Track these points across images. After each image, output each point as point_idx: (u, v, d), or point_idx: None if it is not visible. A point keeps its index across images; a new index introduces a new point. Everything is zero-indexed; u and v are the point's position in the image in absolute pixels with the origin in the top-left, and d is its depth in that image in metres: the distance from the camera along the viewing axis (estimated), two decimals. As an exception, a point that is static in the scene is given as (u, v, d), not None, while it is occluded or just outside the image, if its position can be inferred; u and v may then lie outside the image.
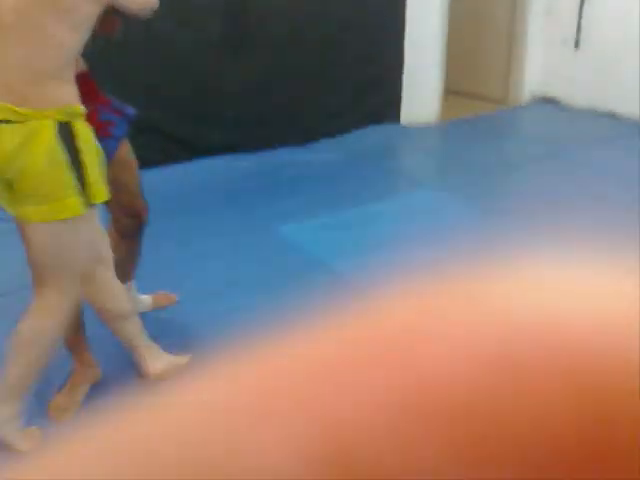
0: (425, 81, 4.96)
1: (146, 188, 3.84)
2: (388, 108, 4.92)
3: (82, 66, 2.00)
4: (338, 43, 4.49)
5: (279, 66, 4.31)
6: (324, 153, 4.42)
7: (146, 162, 3.98)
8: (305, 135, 4.47)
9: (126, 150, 2.24)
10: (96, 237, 1.90)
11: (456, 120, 5.21)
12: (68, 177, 1.69)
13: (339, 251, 3.24)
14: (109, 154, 2.00)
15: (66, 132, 1.68)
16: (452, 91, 5.47)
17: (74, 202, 1.72)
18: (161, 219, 3.56)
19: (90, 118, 1.81)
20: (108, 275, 2.00)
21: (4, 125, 1.64)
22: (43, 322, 1.83)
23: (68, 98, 1.70)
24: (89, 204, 1.75)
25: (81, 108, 1.72)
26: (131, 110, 2.21)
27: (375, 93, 4.78)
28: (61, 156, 1.67)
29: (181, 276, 3.01)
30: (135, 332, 2.11)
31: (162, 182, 3.95)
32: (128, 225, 2.35)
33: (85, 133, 1.74)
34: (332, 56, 4.50)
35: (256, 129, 4.33)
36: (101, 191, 1.79)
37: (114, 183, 1.96)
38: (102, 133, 1.95)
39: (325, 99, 4.55)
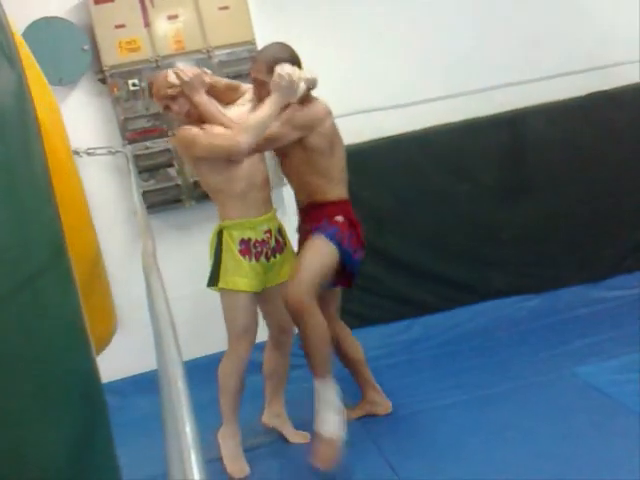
0: None
1: (427, 333, 3.83)
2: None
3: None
4: (630, 172, 4.20)
5: (564, 205, 4.15)
6: (621, 290, 4.10)
7: (429, 308, 3.99)
8: (597, 273, 4.17)
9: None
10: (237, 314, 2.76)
11: None
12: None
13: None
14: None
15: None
16: None
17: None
18: (448, 360, 3.50)
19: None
20: None
21: None
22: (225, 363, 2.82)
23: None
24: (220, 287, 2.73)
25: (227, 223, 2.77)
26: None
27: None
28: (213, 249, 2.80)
29: (469, 419, 2.93)
30: None
31: (446, 326, 3.91)
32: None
33: (227, 241, 2.76)
34: (624, 187, 4.21)
35: (542, 270, 4.17)
36: (228, 282, 2.72)
37: None
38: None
39: (620, 234, 4.25)
